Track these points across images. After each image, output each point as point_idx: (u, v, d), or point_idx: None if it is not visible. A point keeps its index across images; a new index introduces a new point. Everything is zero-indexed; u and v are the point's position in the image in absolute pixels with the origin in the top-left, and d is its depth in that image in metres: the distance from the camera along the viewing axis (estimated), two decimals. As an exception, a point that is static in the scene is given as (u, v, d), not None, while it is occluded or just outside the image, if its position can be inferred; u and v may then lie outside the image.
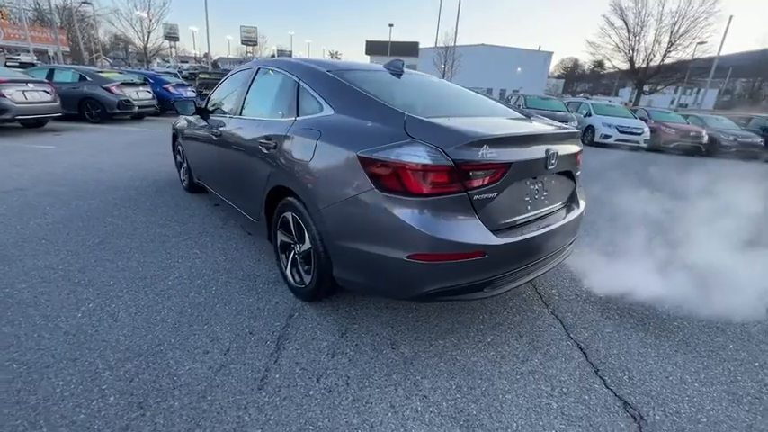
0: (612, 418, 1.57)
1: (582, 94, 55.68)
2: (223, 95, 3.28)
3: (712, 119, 14.08)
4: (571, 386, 1.73)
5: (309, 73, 2.25)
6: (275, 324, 2.05)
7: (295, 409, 1.52)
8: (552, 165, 1.88)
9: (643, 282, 2.56)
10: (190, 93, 12.42)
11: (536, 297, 2.48)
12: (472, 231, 1.61)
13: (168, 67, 33.93)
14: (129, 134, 8.12)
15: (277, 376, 1.69)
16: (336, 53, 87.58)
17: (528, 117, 2.40)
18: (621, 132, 11.77)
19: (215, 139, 3.02)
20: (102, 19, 39.42)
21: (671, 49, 31.91)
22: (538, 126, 2.08)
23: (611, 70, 41.63)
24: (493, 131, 1.67)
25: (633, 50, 33.48)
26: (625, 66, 34.59)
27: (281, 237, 2.35)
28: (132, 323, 1.98)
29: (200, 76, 21.26)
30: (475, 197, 1.61)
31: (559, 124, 2.20)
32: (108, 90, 9.10)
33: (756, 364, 1.97)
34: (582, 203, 2.29)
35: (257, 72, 2.77)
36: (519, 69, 43.87)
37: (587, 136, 12.22)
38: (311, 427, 1.45)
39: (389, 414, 1.53)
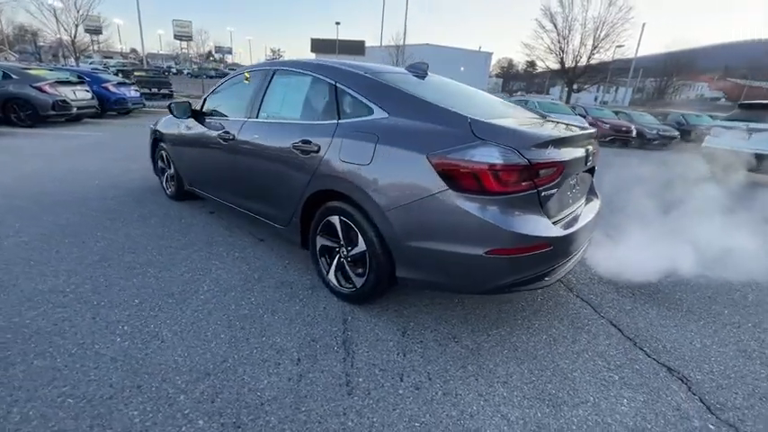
0: (665, 382, 1.79)
1: (518, 93, 59.49)
2: (227, 98, 3.12)
3: (636, 114, 15.78)
4: (621, 359, 1.93)
5: (347, 75, 2.24)
6: (333, 329, 2.03)
7: (393, 409, 1.55)
8: (589, 162, 2.07)
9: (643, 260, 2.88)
10: (133, 92, 11.42)
11: (558, 284, 2.69)
12: (541, 225, 1.74)
13: (91, 64, 30.71)
14: (73, 138, 7.29)
15: (360, 380, 1.69)
16: (279, 50, 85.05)
17: (544, 117, 2.60)
18: (566, 128, 12.79)
19: (223, 143, 2.87)
20: (6, 7, 34.53)
21: (594, 51, 35.38)
22: (575, 128, 2.24)
23: (543, 70, 45.08)
24: (554, 133, 1.81)
25: (563, 52, 36.52)
26: (556, 66, 37.64)
27: (321, 241, 2.32)
28: (183, 343, 1.86)
29: (136, 73, 19.63)
30: (542, 193, 1.74)
31: (583, 125, 2.42)
32: (39, 89, 8.10)
33: (750, 325, 2.33)
34: (599, 195, 2.53)
35: (274, 74, 2.68)
36: (462, 68, 45.71)
37: (537, 132, 13.10)
38: (417, 424, 1.48)
39: (481, 402, 1.61)
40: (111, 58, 45.06)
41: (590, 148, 2.09)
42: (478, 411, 1.56)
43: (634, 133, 13.51)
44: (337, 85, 2.24)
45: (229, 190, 3.03)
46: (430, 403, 1.59)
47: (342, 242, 2.19)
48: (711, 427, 1.56)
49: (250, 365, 1.74)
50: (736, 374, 1.87)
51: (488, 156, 1.64)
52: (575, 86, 37.66)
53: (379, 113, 2.00)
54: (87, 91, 9.36)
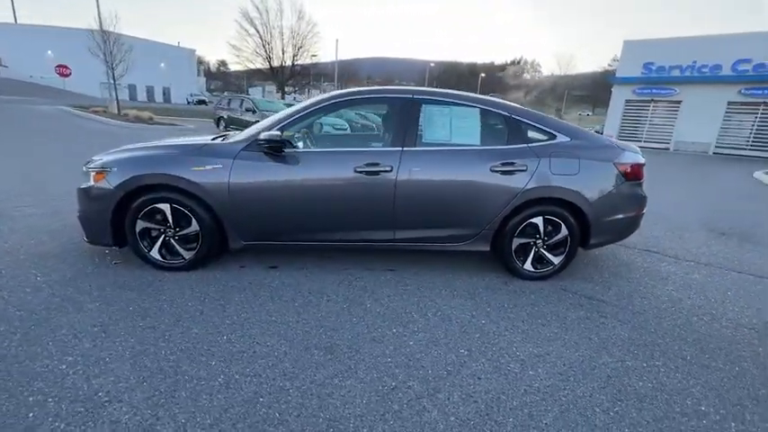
0: (741, 275, 3.73)
1: (225, 93, 58.67)
2: (343, 132, 2.69)
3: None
4: (716, 268, 3.75)
5: (515, 108, 2.86)
6: (573, 297, 2.76)
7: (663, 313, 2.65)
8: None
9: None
10: None
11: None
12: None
13: None
14: None
15: (625, 313, 2.65)
16: None
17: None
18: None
19: (366, 177, 2.61)
20: None
21: (296, 58, 40.12)
22: None
23: (241, 70, 46.37)
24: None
25: (269, 56, 39.24)
26: (266, 67, 40.01)
27: (518, 241, 2.85)
28: (551, 364, 2.13)
29: None
30: (642, 177, 3.20)
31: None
32: None
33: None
34: None
35: (421, 103, 2.74)
36: (163, 65, 40.12)
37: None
38: (667, 315, 2.66)
39: (669, 302, 2.96)
40: None
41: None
42: (677, 298, 2.91)
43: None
44: (512, 116, 2.80)
45: (374, 225, 2.75)
46: (642, 313, 2.79)
47: (540, 236, 2.87)
48: None
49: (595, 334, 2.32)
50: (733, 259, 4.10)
51: (639, 158, 2.92)
52: (286, 88, 41.57)
53: (562, 138, 2.82)
54: None
